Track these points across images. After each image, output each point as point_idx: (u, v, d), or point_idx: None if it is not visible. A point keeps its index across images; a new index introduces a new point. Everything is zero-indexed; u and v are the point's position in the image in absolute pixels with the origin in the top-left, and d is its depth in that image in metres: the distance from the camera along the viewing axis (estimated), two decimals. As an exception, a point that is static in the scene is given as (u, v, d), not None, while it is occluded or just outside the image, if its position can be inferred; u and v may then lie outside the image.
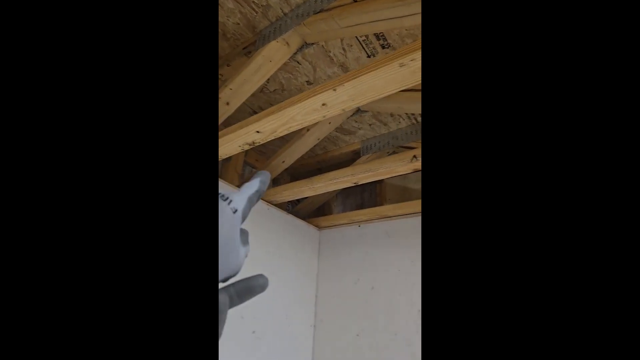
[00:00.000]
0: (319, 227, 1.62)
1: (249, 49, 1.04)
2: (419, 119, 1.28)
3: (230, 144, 1.00)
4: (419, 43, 0.63)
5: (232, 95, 1.03)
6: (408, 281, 1.27)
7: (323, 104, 0.80)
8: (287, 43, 0.95)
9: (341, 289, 1.42)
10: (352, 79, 0.71)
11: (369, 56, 1.02)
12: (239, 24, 0.98)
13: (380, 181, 1.59)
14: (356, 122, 1.35)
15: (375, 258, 1.39)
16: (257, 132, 0.93)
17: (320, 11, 0.89)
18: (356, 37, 0.96)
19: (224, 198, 0.30)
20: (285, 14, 0.94)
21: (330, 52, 1.03)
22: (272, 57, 0.95)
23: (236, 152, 1.05)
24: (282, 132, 0.92)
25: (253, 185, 0.32)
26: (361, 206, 1.65)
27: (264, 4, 0.91)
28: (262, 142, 0.99)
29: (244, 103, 1.15)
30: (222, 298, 0.27)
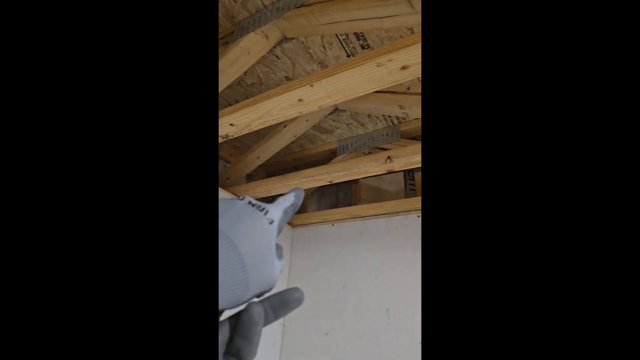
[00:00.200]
0: (292, 225, 1.61)
1: (227, 40, 1.01)
2: (395, 121, 1.30)
3: (202, 136, 0.97)
4: (396, 44, 0.64)
5: (207, 86, 1.00)
6: (378, 281, 1.29)
7: (299, 100, 0.79)
8: (266, 36, 0.93)
9: (312, 287, 1.42)
10: (329, 75, 0.71)
11: (348, 55, 1.02)
12: (217, 12, 0.95)
13: (356, 181, 1.60)
14: (334, 121, 1.35)
15: (347, 257, 1.40)
16: (231, 124, 0.91)
17: (301, 6, 0.88)
18: (337, 35, 0.95)
19: (260, 209, 0.28)
20: (265, 6, 0.92)
21: (310, 48, 1.02)
22: (250, 49, 0.93)
23: (209, 145, 1.02)
24: (257, 126, 0.91)
25: (288, 199, 0.31)
26: (336, 205, 1.65)
27: (244, -6, 0.89)
28: (235, 136, 0.96)
29: (219, 95, 1.12)
30: (258, 309, 0.26)
